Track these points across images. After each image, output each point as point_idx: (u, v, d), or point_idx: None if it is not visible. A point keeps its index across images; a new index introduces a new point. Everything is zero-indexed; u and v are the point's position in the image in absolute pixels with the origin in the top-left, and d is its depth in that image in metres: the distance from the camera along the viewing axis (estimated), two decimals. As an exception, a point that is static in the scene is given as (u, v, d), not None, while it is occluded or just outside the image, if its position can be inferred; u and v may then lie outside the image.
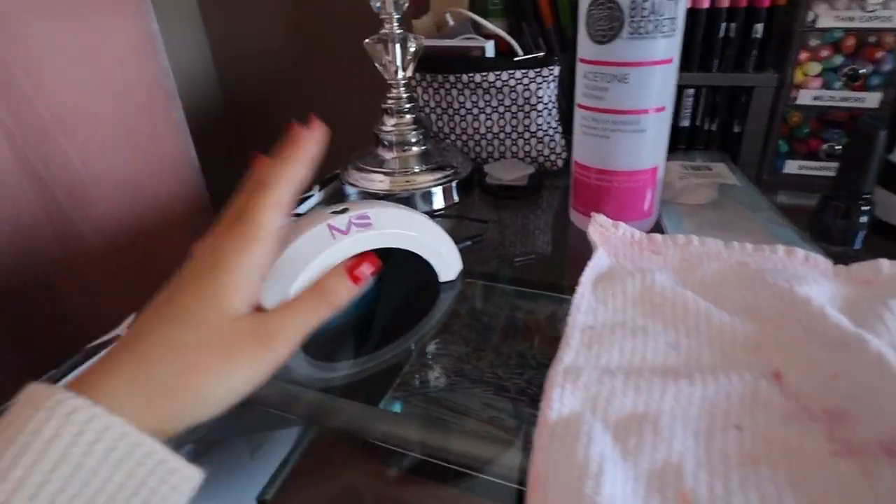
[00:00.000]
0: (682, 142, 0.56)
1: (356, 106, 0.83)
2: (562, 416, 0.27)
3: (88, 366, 0.22)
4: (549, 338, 0.35)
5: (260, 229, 0.25)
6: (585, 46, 0.39)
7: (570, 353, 0.31)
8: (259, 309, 0.26)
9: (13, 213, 0.55)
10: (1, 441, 0.19)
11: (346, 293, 0.27)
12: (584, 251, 0.46)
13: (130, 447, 0.20)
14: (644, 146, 0.40)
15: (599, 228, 0.42)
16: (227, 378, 0.23)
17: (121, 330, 0.34)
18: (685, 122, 0.56)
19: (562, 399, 0.28)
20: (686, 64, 0.48)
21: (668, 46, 0.37)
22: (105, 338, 0.34)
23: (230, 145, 0.96)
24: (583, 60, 0.39)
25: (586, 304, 0.35)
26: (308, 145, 0.28)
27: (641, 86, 0.37)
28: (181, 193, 0.69)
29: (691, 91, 0.54)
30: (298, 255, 0.33)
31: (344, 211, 0.35)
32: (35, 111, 0.54)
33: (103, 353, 0.26)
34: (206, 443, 0.32)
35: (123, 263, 0.64)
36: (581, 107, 0.41)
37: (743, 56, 0.51)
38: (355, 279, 0.27)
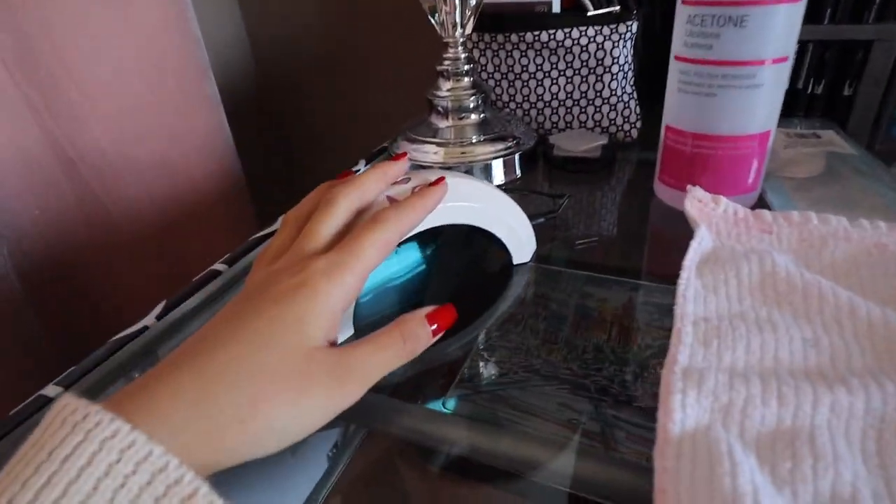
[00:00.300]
0: (778, 108, 0.50)
1: (402, 77, 0.79)
2: (686, 429, 0.22)
3: (137, 381, 0.19)
4: (628, 329, 0.30)
5: (360, 262, 0.23)
6: (690, -16, 0.33)
7: (685, 350, 0.26)
8: (332, 344, 0.23)
9: (44, 195, 0.53)
10: (25, 466, 0.15)
11: (425, 342, 0.25)
12: (669, 231, 0.40)
13: (169, 483, 0.16)
14: (758, 106, 0.34)
15: (697, 203, 0.37)
16: (299, 411, 0.20)
17: (149, 320, 0.30)
18: (784, 85, 0.49)
19: (684, 408, 0.23)
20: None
21: (796, -21, 0.30)
22: (132, 329, 0.30)
23: (263, 124, 0.92)
24: (687, 1, 0.33)
25: (693, 292, 0.30)
26: (438, 198, 0.28)
27: (762, 30, 0.31)
28: (216, 175, 0.65)
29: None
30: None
31: (406, 180, 0.30)
32: (63, 89, 0.51)
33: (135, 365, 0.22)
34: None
35: (156, 249, 0.61)
36: (681, 59, 0.35)
37: (861, 5, 0.44)
38: (435, 330, 0.26)
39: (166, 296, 0.33)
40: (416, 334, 0.25)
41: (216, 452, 0.18)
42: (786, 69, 0.34)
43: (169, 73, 0.59)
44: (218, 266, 0.35)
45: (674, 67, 0.36)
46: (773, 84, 0.34)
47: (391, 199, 0.29)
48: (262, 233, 0.38)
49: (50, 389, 0.26)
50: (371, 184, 0.28)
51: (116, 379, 0.28)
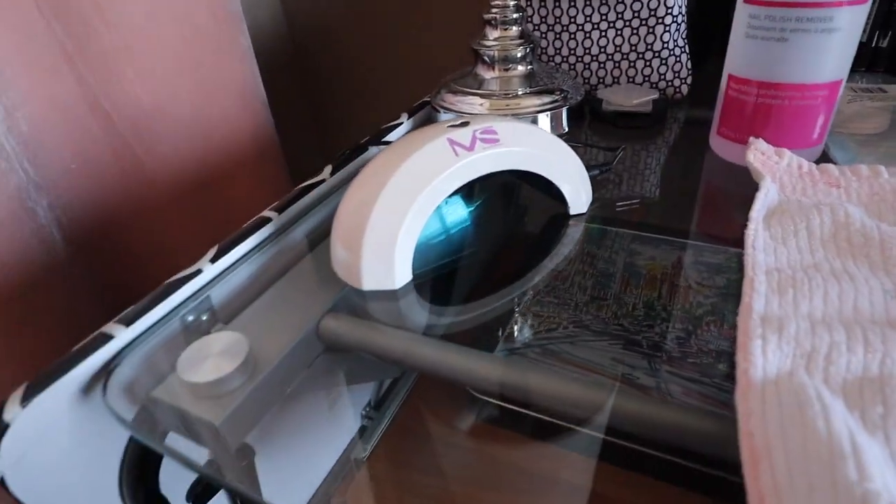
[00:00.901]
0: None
1: (444, 27, 0.77)
2: (769, 375, 0.22)
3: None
4: (679, 287, 0.30)
5: None
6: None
7: (759, 298, 0.25)
8: None
9: (80, 148, 0.53)
10: None
11: None
12: (724, 189, 0.39)
13: None
14: (831, 52, 0.33)
15: (760, 156, 0.36)
16: None
17: (203, 263, 0.30)
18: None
19: (765, 353, 0.22)
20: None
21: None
22: (187, 272, 0.30)
23: (296, 77, 0.91)
24: (763, -63, 0.32)
25: (762, 243, 0.29)
26: None
27: (843, -34, 0.30)
28: (249, 130, 0.65)
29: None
30: (415, 174, 0.28)
31: (465, 124, 0.30)
32: (98, 37, 0.50)
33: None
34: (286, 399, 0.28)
35: (190, 205, 0.61)
36: (752, 2, 0.34)
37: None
38: None
39: (201, 251, 0.34)
40: None
41: None
42: (863, 12, 0.32)
43: (202, 21, 0.58)
44: (268, 213, 0.35)
45: (742, 11, 0.35)
46: (848, 28, 0.32)
47: (452, 143, 0.29)
48: (309, 181, 0.38)
49: (111, 327, 0.26)
50: None
51: (171, 319, 0.29)
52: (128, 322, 0.26)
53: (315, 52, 0.88)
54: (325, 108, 0.92)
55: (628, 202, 0.37)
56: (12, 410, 0.22)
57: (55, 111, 0.50)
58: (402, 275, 0.29)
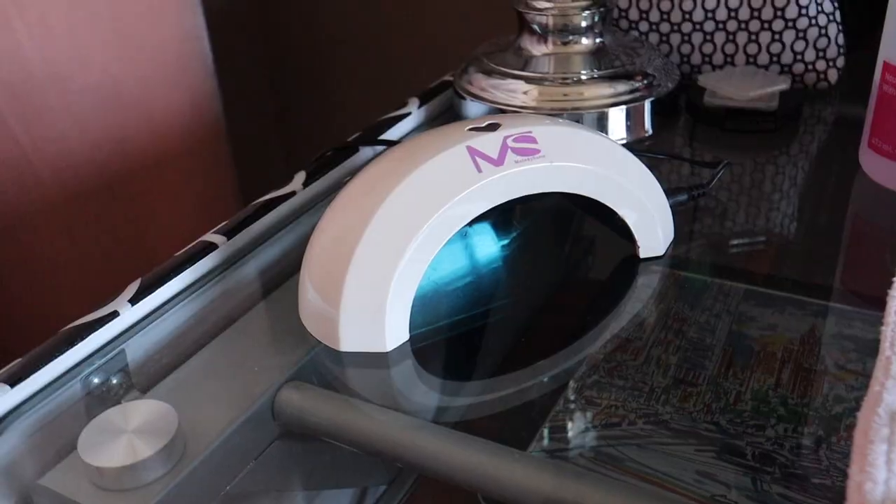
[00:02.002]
0: None
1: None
2: (892, 494, 0.25)
3: None
4: (810, 372, 0.32)
5: None
6: None
7: (894, 387, 0.29)
8: None
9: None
10: None
11: None
12: (881, 225, 0.42)
13: None
14: None
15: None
16: None
17: (120, 304, 0.35)
18: None
19: (889, 464, 0.26)
20: None
21: None
22: (97, 314, 0.35)
23: (255, 34, 0.97)
24: None
25: (912, 312, 0.33)
26: None
27: None
28: (184, 111, 0.69)
29: None
30: (418, 197, 0.32)
31: (493, 127, 0.34)
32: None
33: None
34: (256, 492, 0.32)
35: (92, 210, 0.64)
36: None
37: None
38: None
39: (117, 281, 0.37)
40: None
41: None
42: None
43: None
44: (212, 237, 0.39)
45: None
46: None
47: (474, 153, 0.33)
48: (272, 194, 0.43)
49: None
50: None
51: (73, 379, 0.33)
52: (12, 381, 0.31)
53: (284, 10, 0.95)
54: (298, 85, 0.98)
55: (741, 242, 0.40)
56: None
57: None
58: (395, 333, 0.33)
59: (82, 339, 0.34)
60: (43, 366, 0.32)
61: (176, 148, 0.69)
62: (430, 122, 0.56)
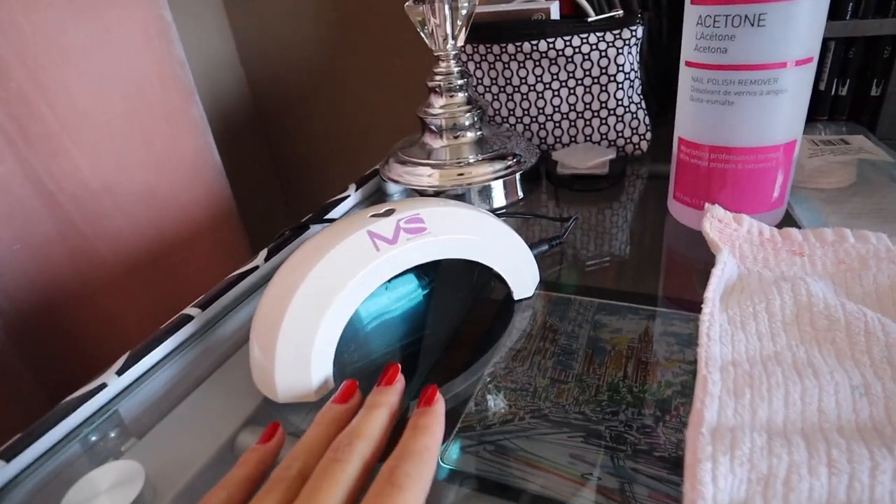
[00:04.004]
0: (799, 112, 0.46)
1: (394, 94, 0.76)
2: (720, 506, 0.19)
3: None
4: (646, 363, 0.27)
5: None
6: (699, -17, 0.30)
7: (713, 403, 0.23)
8: None
9: (24, 230, 0.51)
10: None
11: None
12: (686, 252, 0.37)
13: None
14: (781, 113, 0.31)
15: (717, 224, 0.33)
16: None
17: (108, 377, 0.28)
18: (805, 87, 0.45)
19: (716, 481, 0.19)
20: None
21: (818, -28, 0.27)
22: (89, 387, 0.27)
23: (255, 145, 0.90)
24: (697, 1, 0.30)
25: (719, 330, 0.27)
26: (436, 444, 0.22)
27: (783, 28, 0.28)
28: (204, 202, 0.63)
29: (815, 47, 0.44)
30: (333, 274, 0.25)
31: (389, 213, 0.28)
32: (38, 114, 0.49)
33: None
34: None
35: (143, 279, 0.59)
36: (692, 65, 0.32)
37: (887, -4, 0.41)
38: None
39: (156, 327, 0.31)
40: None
41: None
42: (810, 71, 0.31)
43: (151, 95, 0.57)
44: (190, 310, 0.32)
45: (685, 74, 0.33)
46: (796, 89, 0.30)
47: (373, 235, 0.26)
48: (239, 270, 0.36)
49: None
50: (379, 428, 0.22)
51: (65, 447, 0.26)
52: (8, 457, 0.24)
53: (277, 116, 0.88)
54: (287, 170, 0.92)
55: (592, 264, 0.35)
56: None
57: (-5, 193, 0.48)
58: (321, 384, 0.26)
59: (76, 409, 0.26)
60: (39, 438, 0.25)
61: (200, 229, 0.63)
62: (365, 201, 0.49)
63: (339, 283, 0.25)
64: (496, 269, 0.30)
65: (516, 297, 0.32)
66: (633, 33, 0.44)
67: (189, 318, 0.32)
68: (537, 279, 0.33)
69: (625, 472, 0.22)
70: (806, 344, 0.25)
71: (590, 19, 0.44)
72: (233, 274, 0.35)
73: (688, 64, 0.33)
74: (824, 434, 0.21)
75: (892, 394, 0.22)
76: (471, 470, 0.23)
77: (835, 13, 0.43)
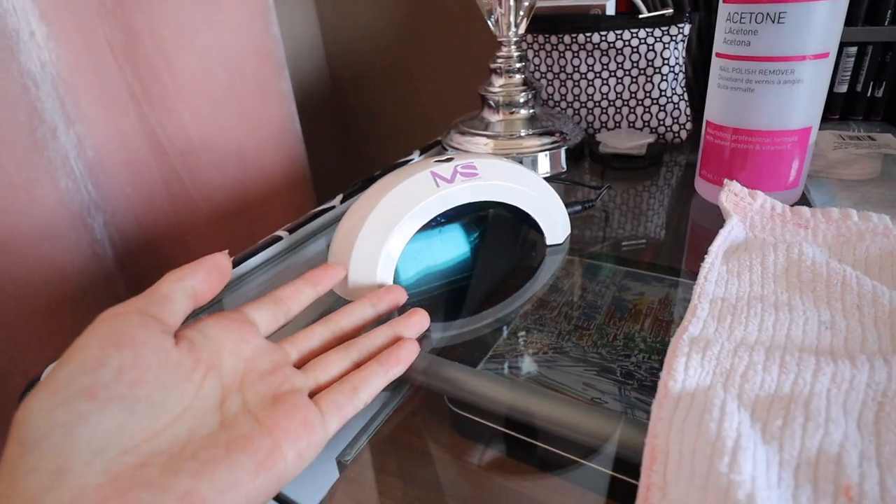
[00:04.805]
0: (835, 111, 0.50)
1: (459, 76, 0.83)
2: (687, 388, 0.24)
3: None
4: (662, 322, 0.31)
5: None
6: (730, -17, 0.35)
7: (698, 323, 0.28)
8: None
9: (136, 176, 0.60)
10: None
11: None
12: (708, 230, 0.41)
13: None
14: (796, 101, 0.35)
15: (733, 197, 0.38)
16: None
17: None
18: (842, 88, 0.49)
19: (686, 370, 0.25)
20: (848, 16, 0.42)
21: (835, -24, 0.32)
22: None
23: (331, 118, 0.99)
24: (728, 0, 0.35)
25: (716, 275, 0.32)
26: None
27: (800, 26, 0.33)
28: (284, 165, 0.71)
29: (853, 50, 0.47)
30: (398, 202, 0.32)
31: (449, 160, 0.34)
32: (160, 79, 0.58)
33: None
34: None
35: (227, 228, 0.67)
36: (721, 56, 0.37)
37: (924, 5, 0.44)
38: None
39: None
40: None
41: None
42: (827, 65, 0.35)
43: (249, 68, 0.65)
44: (280, 232, 0.39)
45: (715, 64, 0.38)
46: (812, 80, 0.35)
47: (435, 175, 0.33)
48: (320, 207, 0.43)
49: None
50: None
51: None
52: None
53: (349, 93, 0.96)
54: (356, 144, 1.00)
55: (629, 241, 0.40)
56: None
57: (118, 142, 0.57)
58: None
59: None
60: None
61: (278, 188, 0.70)
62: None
63: (406, 207, 0.32)
64: (532, 214, 0.36)
65: (549, 241, 0.37)
66: (680, 30, 0.49)
67: (279, 238, 0.39)
68: (568, 230, 0.38)
69: (629, 400, 0.26)
70: (790, 291, 0.30)
71: (641, 16, 0.49)
72: (314, 210, 0.43)
73: (717, 55, 0.37)
74: (784, 349, 0.26)
75: (853, 331, 0.27)
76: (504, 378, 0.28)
77: (873, 18, 0.46)
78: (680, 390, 0.24)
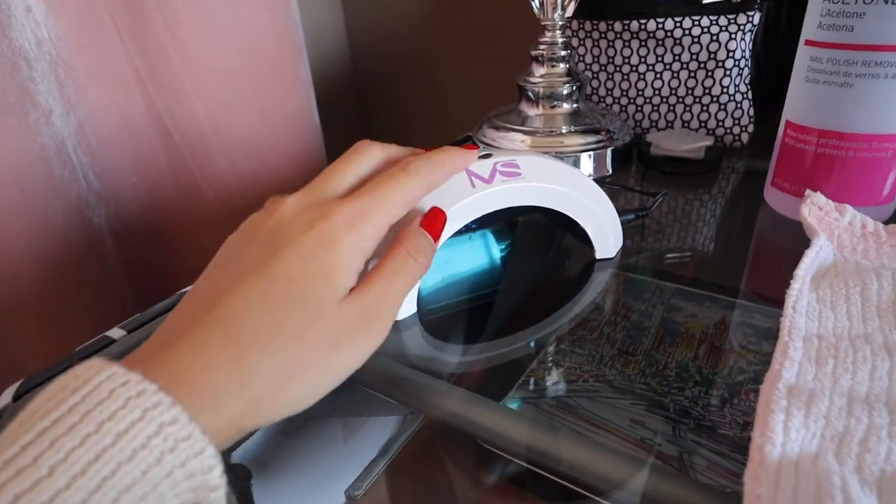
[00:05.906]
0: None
1: (494, 65, 0.78)
2: (788, 455, 0.19)
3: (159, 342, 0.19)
4: (720, 350, 0.27)
5: (383, 213, 0.23)
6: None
7: (792, 366, 0.23)
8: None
9: (143, 165, 0.56)
10: (53, 424, 0.15)
11: (431, 251, 0.25)
12: (778, 246, 0.36)
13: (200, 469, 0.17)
14: (903, 99, 0.30)
15: (816, 212, 0.33)
16: (332, 366, 0.21)
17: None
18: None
19: (787, 431, 0.20)
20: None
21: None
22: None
23: (351, 108, 0.95)
24: (826, -25, 0.30)
25: (806, 305, 0.26)
26: (463, 162, 0.27)
27: (920, 7, 0.27)
28: (300, 154, 0.67)
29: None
30: (427, 204, 0.27)
31: (487, 156, 0.29)
32: (168, 60, 0.54)
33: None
34: (297, 418, 0.27)
35: (238, 222, 0.63)
36: (812, 44, 0.32)
37: None
38: (434, 236, 0.25)
39: None
40: (421, 247, 0.24)
41: (251, 418, 0.19)
42: (943, 58, 0.29)
43: (265, 50, 0.61)
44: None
45: (803, 54, 0.33)
46: (925, 75, 0.29)
47: (470, 174, 0.28)
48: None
49: (113, 331, 0.27)
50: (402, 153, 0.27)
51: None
52: (130, 329, 0.27)
53: (373, 83, 0.92)
54: (379, 137, 0.95)
55: (678, 255, 0.35)
56: (3, 402, 0.23)
57: (123, 128, 0.54)
58: (405, 306, 0.28)
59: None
60: (156, 318, 0.28)
61: (293, 181, 0.67)
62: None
63: (436, 210, 0.27)
64: (582, 223, 0.31)
65: (598, 255, 0.32)
66: (750, 19, 0.44)
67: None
68: (620, 243, 0.33)
69: (685, 443, 0.22)
70: (901, 329, 0.25)
71: (705, 1, 0.44)
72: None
73: (807, 43, 0.32)
74: (910, 408, 0.20)
75: None
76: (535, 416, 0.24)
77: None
78: (780, 458, 0.19)
